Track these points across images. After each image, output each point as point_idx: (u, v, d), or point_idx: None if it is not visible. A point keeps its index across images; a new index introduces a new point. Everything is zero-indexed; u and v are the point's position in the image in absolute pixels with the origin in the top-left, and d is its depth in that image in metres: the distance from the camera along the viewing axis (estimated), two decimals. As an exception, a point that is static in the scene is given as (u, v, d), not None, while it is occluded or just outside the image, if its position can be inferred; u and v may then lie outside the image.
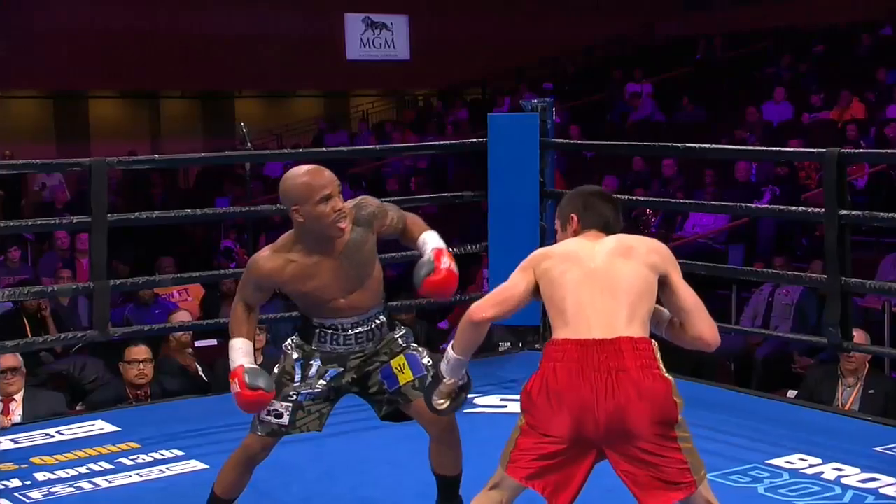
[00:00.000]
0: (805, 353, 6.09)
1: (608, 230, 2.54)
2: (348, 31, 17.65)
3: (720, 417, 4.05)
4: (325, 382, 2.87)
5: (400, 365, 2.87)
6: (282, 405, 2.84)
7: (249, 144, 5.02)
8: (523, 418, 2.42)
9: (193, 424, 4.08)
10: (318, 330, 2.85)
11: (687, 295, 2.53)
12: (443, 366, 2.57)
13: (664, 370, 2.40)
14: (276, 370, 2.89)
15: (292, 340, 2.92)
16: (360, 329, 2.83)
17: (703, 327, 2.52)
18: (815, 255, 6.64)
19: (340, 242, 2.76)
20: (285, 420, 2.85)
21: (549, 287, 2.45)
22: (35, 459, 3.75)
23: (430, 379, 2.68)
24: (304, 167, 2.75)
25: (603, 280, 2.43)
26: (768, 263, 6.78)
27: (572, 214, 2.56)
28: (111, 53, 15.52)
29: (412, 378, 2.86)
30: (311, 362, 2.85)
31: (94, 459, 3.74)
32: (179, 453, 3.79)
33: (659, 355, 2.42)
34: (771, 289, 6.81)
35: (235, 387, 2.73)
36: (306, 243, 2.76)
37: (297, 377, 2.85)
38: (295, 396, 2.85)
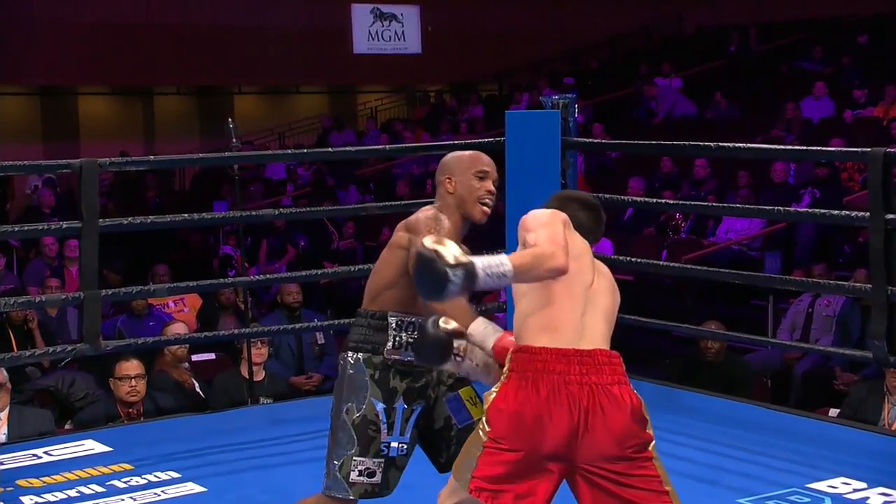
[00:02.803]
0: (848, 368, 6.07)
1: (583, 235, 2.60)
2: (355, 23, 17.70)
3: (756, 438, 4.04)
4: (413, 428, 2.78)
5: (472, 397, 2.83)
6: (373, 462, 2.73)
7: (236, 140, 5.02)
8: (487, 434, 2.44)
9: (190, 444, 4.10)
10: (395, 330, 2.75)
11: None
12: (487, 272, 2.28)
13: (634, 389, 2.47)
14: (353, 419, 2.74)
15: (358, 357, 2.75)
16: None
17: None
18: (859, 263, 6.62)
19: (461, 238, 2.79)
20: (378, 479, 2.75)
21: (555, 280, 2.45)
22: (21, 482, 3.77)
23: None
24: (472, 151, 2.94)
25: (596, 300, 2.51)
26: (808, 272, 6.75)
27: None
28: (102, 47, 15.61)
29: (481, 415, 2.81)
30: (395, 406, 2.75)
31: (85, 482, 3.76)
32: (175, 475, 3.80)
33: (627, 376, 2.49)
34: (811, 299, 6.79)
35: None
36: (450, 218, 2.80)
37: (384, 426, 2.74)
38: (386, 451, 2.75)
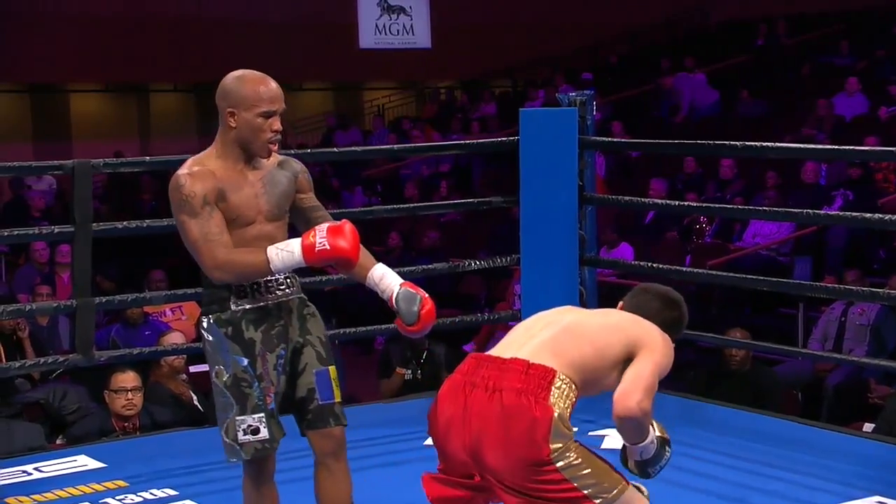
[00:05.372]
0: (883, 380, 6.05)
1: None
2: (361, 16, 17.72)
3: (785, 454, 4.03)
4: (277, 373, 2.86)
5: (335, 378, 2.91)
6: (253, 418, 2.82)
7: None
8: None
9: (187, 460, 4.10)
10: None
11: (636, 365, 2.54)
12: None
13: (553, 403, 2.37)
14: (225, 380, 2.82)
15: (210, 321, 2.85)
16: (280, 274, 2.86)
17: (621, 385, 2.51)
18: (894, 269, 6.60)
19: (261, 168, 2.87)
20: (264, 434, 2.83)
21: None
22: (10, 500, 3.78)
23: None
24: (256, 73, 2.86)
25: (562, 322, 2.55)
26: (840, 278, 6.74)
27: (621, 301, 2.74)
28: (95, 42, 15.67)
29: (340, 399, 2.92)
30: (257, 354, 2.82)
31: (77, 499, 3.77)
32: (172, 493, 3.81)
33: (560, 391, 2.39)
34: (843, 307, 6.77)
35: (340, 238, 2.72)
36: (228, 156, 2.85)
37: (254, 380, 2.82)
38: (263, 404, 2.83)
